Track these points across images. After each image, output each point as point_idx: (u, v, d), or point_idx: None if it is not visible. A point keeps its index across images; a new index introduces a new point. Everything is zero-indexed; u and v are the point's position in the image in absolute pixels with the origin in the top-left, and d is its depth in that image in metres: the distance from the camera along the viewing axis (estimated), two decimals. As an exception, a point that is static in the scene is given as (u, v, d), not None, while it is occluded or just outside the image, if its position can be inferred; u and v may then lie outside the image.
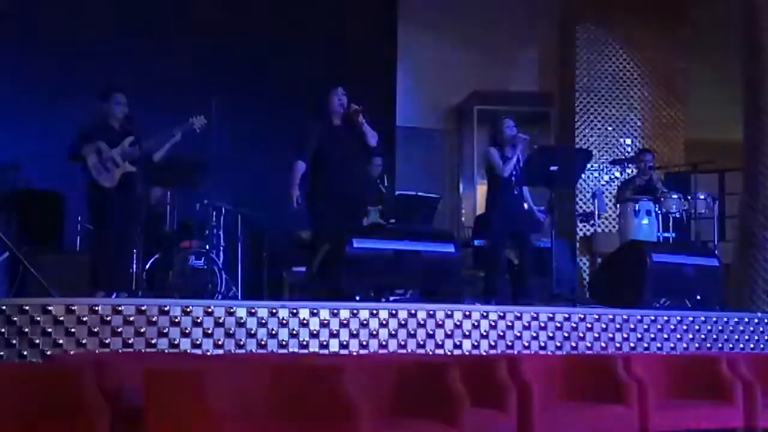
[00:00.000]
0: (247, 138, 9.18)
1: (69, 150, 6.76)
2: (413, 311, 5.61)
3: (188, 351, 5.03)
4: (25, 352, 4.77)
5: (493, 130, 7.64)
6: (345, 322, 5.40)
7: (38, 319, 4.81)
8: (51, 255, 7.36)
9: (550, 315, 6.00)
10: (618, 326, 6.20)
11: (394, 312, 5.55)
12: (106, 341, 4.90)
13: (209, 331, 5.11)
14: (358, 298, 5.86)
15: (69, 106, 7.98)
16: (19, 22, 8.81)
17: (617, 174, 10.66)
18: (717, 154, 9.42)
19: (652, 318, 6.35)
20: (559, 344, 5.97)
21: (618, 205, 8.74)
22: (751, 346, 6.69)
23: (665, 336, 6.37)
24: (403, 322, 5.56)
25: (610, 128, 10.91)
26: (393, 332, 5.52)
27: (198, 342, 5.08)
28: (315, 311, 5.36)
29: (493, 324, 5.81)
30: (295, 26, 9.95)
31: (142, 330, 4.97)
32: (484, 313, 5.82)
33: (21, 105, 8.67)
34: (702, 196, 8.39)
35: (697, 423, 5.19)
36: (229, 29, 9.71)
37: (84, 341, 4.85)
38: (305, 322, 5.32)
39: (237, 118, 8.86)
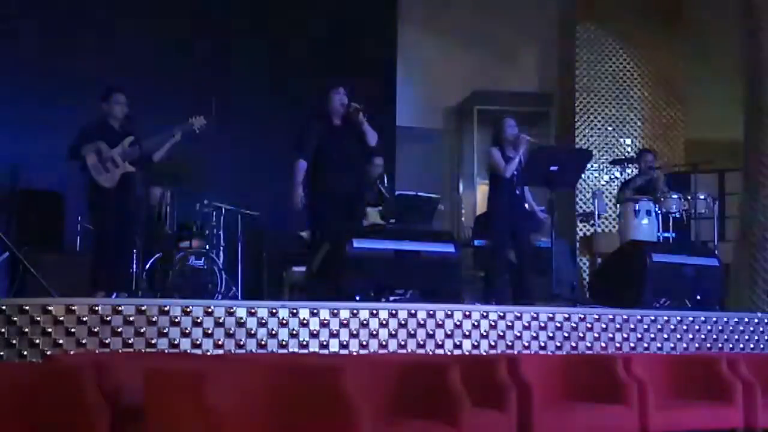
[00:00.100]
0: (247, 138, 9.19)
1: (69, 150, 6.77)
2: (413, 311, 5.61)
3: (188, 351, 5.03)
4: (25, 352, 4.77)
5: (494, 130, 7.63)
6: (345, 322, 5.40)
7: (38, 319, 4.81)
8: (51, 255, 7.36)
9: (550, 315, 6.00)
10: (618, 326, 6.20)
11: (394, 312, 5.55)
12: (106, 341, 4.90)
13: (209, 331, 5.11)
14: (358, 298, 5.85)
15: (69, 106, 7.98)
16: (20, 22, 8.81)
17: (617, 174, 10.67)
18: (717, 154, 9.42)
19: (652, 318, 6.35)
20: (559, 344, 5.97)
21: (618, 205, 8.74)
22: (751, 346, 6.69)
23: (665, 336, 6.37)
24: (403, 322, 5.56)
25: (610, 128, 10.92)
26: (393, 332, 5.52)
27: (198, 342, 5.08)
28: (315, 311, 5.36)
29: (493, 324, 5.81)
30: (295, 26, 9.96)
31: (142, 330, 4.97)
32: (484, 313, 5.82)
33: (21, 105, 8.67)
34: (702, 196, 8.40)
35: (697, 423, 5.19)
36: (229, 29, 9.73)
37: (84, 341, 4.85)
38: (305, 322, 5.32)
39: (237, 118, 8.86)
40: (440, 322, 5.66)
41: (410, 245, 6.24)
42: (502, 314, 5.86)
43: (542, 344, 5.92)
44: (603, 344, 6.12)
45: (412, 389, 4.32)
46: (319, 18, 10.06)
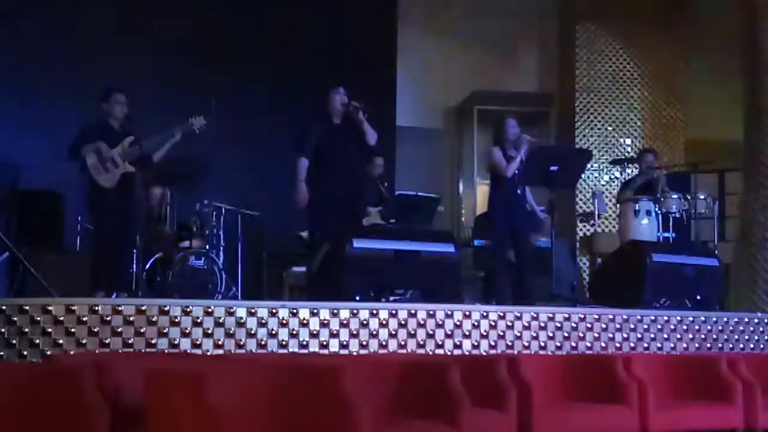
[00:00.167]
0: (247, 138, 9.19)
1: (69, 150, 6.77)
2: (413, 311, 5.61)
3: (188, 351, 5.03)
4: (25, 352, 4.77)
5: (495, 130, 7.63)
6: (345, 322, 5.40)
7: (38, 319, 4.81)
8: (51, 255, 7.35)
9: (550, 315, 6.00)
10: (618, 326, 6.20)
11: (394, 312, 5.55)
12: (106, 341, 4.90)
13: (209, 331, 5.11)
14: (358, 298, 5.86)
15: (69, 106, 7.98)
16: (19, 22, 8.81)
17: (617, 174, 10.67)
18: (717, 154, 9.42)
19: (652, 318, 6.35)
20: (559, 344, 5.97)
21: (618, 205, 8.74)
22: (751, 346, 6.69)
23: (665, 336, 6.36)
24: (403, 322, 5.56)
25: (610, 128, 10.92)
26: (393, 332, 5.52)
27: (198, 342, 5.08)
28: (315, 311, 5.36)
29: (493, 324, 5.81)
30: (295, 26, 9.96)
31: (142, 330, 4.97)
32: (484, 313, 5.82)
33: (21, 105, 8.67)
34: (702, 196, 8.40)
35: (697, 423, 5.19)
36: (229, 29, 9.72)
37: (84, 341, 4.85)
38: (305, 322, 5.32)
39: (237, 118, 8.86)
40: (440, 322, 5.66)
41: (410, 245, 6.24)
42: (502, 314, 5.86)
43: (542, 344, 5.92)
44: (603, 344, 6.12)
45: (412, 389, 4.33)
46: (319, 18, 10.05)
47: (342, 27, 10.13)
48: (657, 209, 8.16)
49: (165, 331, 5.02)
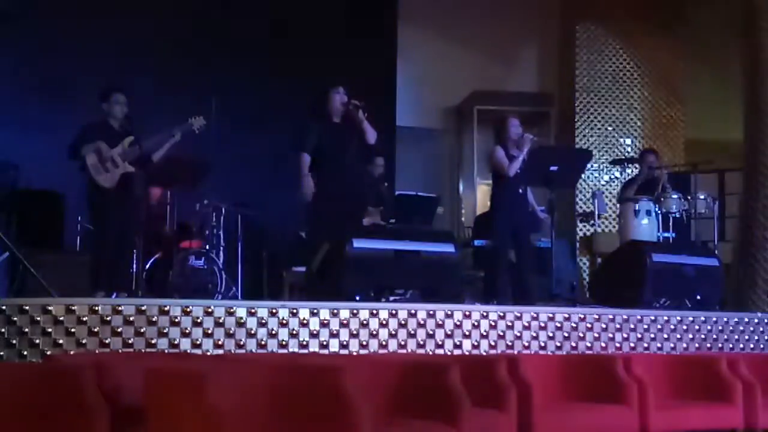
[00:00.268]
0: (247, 138, 9.19)
1: (69, 150, 6.77)
2: (413, 311, 5.61)
3: (188, 351, 5.03)
4: (25, 352, 4.78)
5: (497, 130, 7.62)
6: (345, 322, 5.40)
7: (38, 319, 4.82)
8: (51, 255, 7.35)
9: (550, 315, 6.00)
10: (618, 326, 6.20)
11: (394, 312, 5.55)
12: (106, 341, 4.90)
13: (209, 331, 5.11)
14: (358, 298, 5.86)
15: (69, 106, 7.98)
16: (19, 22, 8.81)
17: (617, 174, 10.67)
18: (717, 154, 9.42)
19: (652, 318, 6.35)
20: (559, 344, 5.97)
21: (618, 205, 8.74)
22: (751, 346, 6.69)
23: (665, 336, 6.36)
24: (403, 322, 5.56)
25: (610, 128, 10.92)
26: (393, 332, 5.52)
27: (198, 342, 5.08)
28: (315, 311, 5.36)
29: (493, 324, 5.81)
30: (295, 26, 9.96)
31: (142, 330, 4.98)
32: (484, 313, 5.82)
33: (21, 105, 8.68)
34: (702, 196, 8.39)
35: (697, 423, 5.19)
36: (229, 29, 9.72)
37: (84, 341, 4.85)
38: (305, 322, 5.32)
39: (237, 118, 8.86)
40: (440, 322, 5.66)
41: (410, 245, 6.24)
42: (502, 314, 5.86)
43: (542, 344, 5.92)
44: (603, 344, 6.12)
45: (412, 389, 4.32)
46: (319, 18, 10.05)
47: (342, 27, 10.13)
48: (657, 209, 8.16)
49: (165, 331, 5.02)
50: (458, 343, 5.68)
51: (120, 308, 4.98)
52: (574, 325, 6.05)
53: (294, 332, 5.29)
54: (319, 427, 3.65)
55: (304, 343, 5.30)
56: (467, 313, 5.76)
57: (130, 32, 9.18)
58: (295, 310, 5.32)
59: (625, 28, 10.92)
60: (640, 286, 6.88)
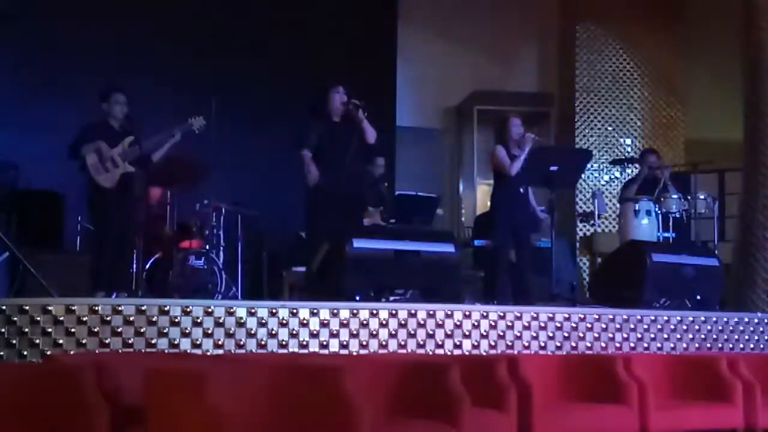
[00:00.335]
0: (247, 138, 9.19)
1: (69, 149, 6.77)
2: (413, 311, 5.61)
3: (188, 351, 5.03)
4: (25, 352, 4.78)
5: (499, 129, 7.63)
6: (345, 322, 5.40)
7: (38, 319, 4.82)
8: (51, 255, 7.35)
9: (550, 315, 6.00)
10: (618, 326, 6.20)
11: (394, 312, 5.55)
12: (106, 341, 4.90)
13: (209, 331, 5.11)
14: (358, 298, 5.86)
15: (69, 106, 7.98)
16: (19, 22, 8.81)
17: (617, 174, 10.67)
18: (717, 154, 9.42)
19: (652, 318, 6.35)
20: (559, 344, 5.97)
21: (618, 205, 8.74)
22: (751, 346, 6.68)
23: (665, 336, 6.36)
24: (403, 322, 5.56)
25: (610, 128, 10.92)
26: (393, 332, 5.52)
27: (198, 342, 5.08)
28: (315, 311, 5.36)
29: (493, 324, 5.81)
30: (295, 26, 9.96)
31: (142, 330, 4.98)
32: (484, 313, 5.82)
33: (21, 105, 8.67)
34: (702, 196, 8.39)
35: (697, 423, 5.20)
36: (229, 29, 9.72)
37: (84, 341, 4.85)
38: (305, 322, 5.32)
39: (237, 118, 8.86)
40: (440, 322, 5.66)
41: (410, 245, 6.24)
42: (502, 314, 5.86)
43: (542, 344, 5.92)
44: (603, 344, 6.12)
45: (412, 389, 4.33)
46: (319, 18, 10.05)
47: (342, 27, 10.13)
48: (657, 209, 8.16)
49: (165, 331, 5.02)
50: (458, 343, 5.68)
51: (120, 308, 4.98)
52: (574, 325, 6.05)
53: (294, 332, 5.29)
54: (319, 427, 3.65)
55: (304, 343, 5.30)
56: (467, 313, 5.76)
57: (130, 32, 9.18)
58: (295, 310, 5.32)
59: (625, 28, 10.93)
60: (640, 286, 6.88)
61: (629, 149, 10.85)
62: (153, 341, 4.98)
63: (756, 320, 6.79)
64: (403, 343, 5.53)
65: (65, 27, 9.05)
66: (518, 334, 5.87)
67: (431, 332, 5.63)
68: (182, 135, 7.00)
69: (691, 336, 6.46)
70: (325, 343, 5.34)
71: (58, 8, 9.10)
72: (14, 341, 4.77)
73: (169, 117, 7.27)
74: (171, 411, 3.52)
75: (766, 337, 6.75)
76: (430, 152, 11.19)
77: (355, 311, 5.44)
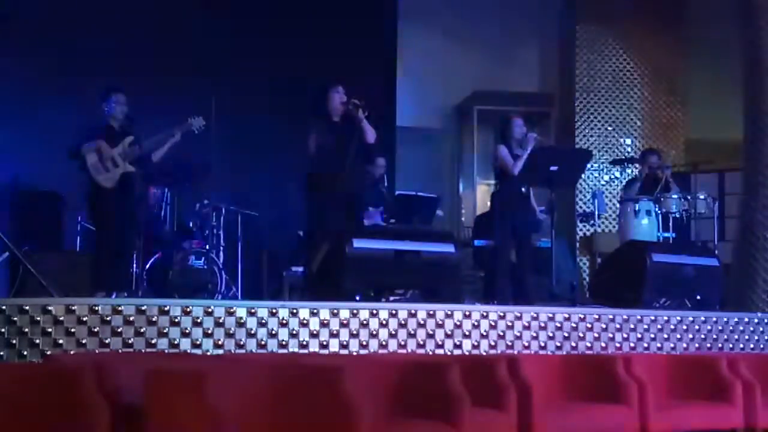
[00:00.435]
0: (247, 138, 9.19)
1: (69, 149, 6.78)
2: (413, 311, 5.61)
3: (188, 351, 5.03)
4: (25, 352, 4.77)
5: (501, 129, 7.64)
6: (345, 322, 5.40)
7: (38, 319, 4.81)
8: (51, 255, 7.36)
9: (550, 315, 6.00)
10: (618, 326, 6.20)
11: (394, 312, 5.55)
12: (106, 341, 4.90)
13: (209, 331, 5.11)
14: (358, 298, 5.86)
15: (69, 106, 7.98)
16: (19, 22, 8.81)
17: (617, 174, 10.67)
18: (717, 154, 9.42)
19: (652, 318, 6.35)
20: (559, 344, 5.97)
21: (618, 205, 8.74)
22: (751, 346, 6.68)
23: (665, 336, 6.36)
24: (403, 322, 5.55)
25: (610, 128, 10.92)
26: (393, 332, 5.52)
27: (198, 342, 5.08)
28: (315, 311, 5.36)
29: (493, 324, 5.81)
30: (295, 26, 9.95)
31: (142, 330, 4.97)
32: (484, 313, 5.82)
33: (21, 105, 8.68)
34: (702, 196, 8.39)
35: (697, 423, 5.19)
36: (228, 29, 9.72)
37: (84, 341, 4.85)
38: (305, 322, 5.32)
39: (236, 118, 8.87)
40: (440, 322, 5.66)
41: (410, 245, 6.23)
42: (502, 314, 5.86)
43: (542, 344, 5.92)
44: (603, 344, 6.12)
45: (412, 389, 4.32)
46: (319, 18, 10.05)
47: (342, 27, 10.13)
48: (657, 209, 8.16)
49: (165, 331, 5.02)
50: (458, 343, 5.68)
51: (120, 308, 4.98)
52: (574, 325, 6.05)
53: (294, 332, 5.28)
54: (319, 426, 3.65)
55: (304, 343, 5.30)
56: (467, 313, 5.76)
57: (130, 32, 9.18)
58: (295, 310, 5.32)
59: (625, 28, 10.92)
60: (640, 286, 6.88)
61: (629, 149, 10.85)
62: (153, 341, 4.98)
63: (756, 320, 6.79)
64: (403, 343, 5.53)
65: (65, 27, 9.05)
66: (518, 334, 5.86)
67: (431, 332, 5.63)
68: (182, 135, 7.01)
69: (691, 336, 6.45)
70: (325, 343, 5.34)
71: (59, 8, 9.10)
72: (14, 341, 4.77)
73: (169, 117, 7.27)
74: (171, 411, 3.52)
75: (766, 337, 6.74)
76: (430, 152, 11.20)
77: (355, 311, 5.44)
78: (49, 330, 4.82)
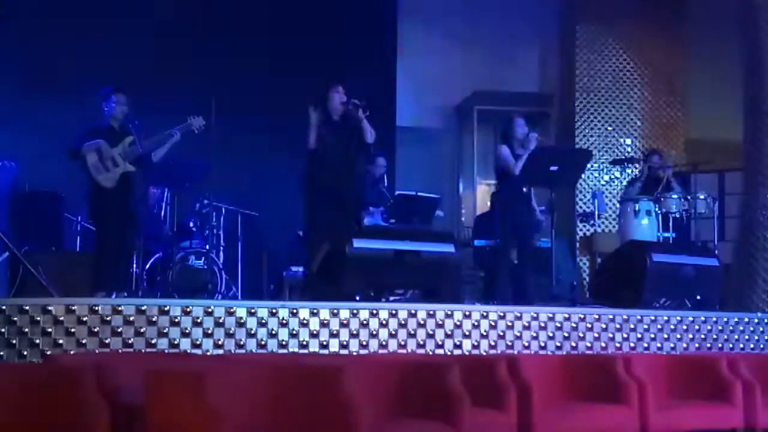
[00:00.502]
0: (247, 138, 9.19)
1: (69, 149, 6.78)
2: (413, 311, 5.61)
3: (188, 351, 5.03)
4: (25, 352, 4.78)
5: (503, 129, 7.64)
6: (345, 322, 5.40)
7: (38, 319, 4.82)
8: (51, 255, 7.35)
9: (550, 315, 6.00)
10: (618, 326, 6.20)
11: (394, 312, 5.55)
12: (106, 341, 4.90)
13: (209, 331, 5.11)
14: (358, 298, 5.86)
15: (69, 106, 7.98)
16: (19, 22, 8.80)
17: (617, 174, 10.67)
18: (717, 154, 9.42)
19: (652, 318, 6.35)
20: (559, 344, 5.97)
21: (619, 205, 8.74)
22: (751, 346, 6.69)
23: (665, 336, 6.36)
24: (403, 322, 5.56)
25: (610, 128, 10.92)
26: (393, 332, 5.52)
27: (198, 342, 5.08)
28: (315, 311, 5.36)
29: (493, 324, 5.81)
30: (295, 26, 9.96)
31: (142, 330, 4.98)
32: (484, 313, 5.82)
33: (21, 105, 8.68)
34: (702, 196, 8.39)
35: (697, 423, 5.19)
36: (228, 29, 9.72)
37: (84, 341, 4.85)
38: (305, 322, 5.32)
39: (236, 118, 8.86)
40: (440, 322, 5.66)
41: (410, 245, 6.24)
42: (502, 314, 5.86)
43: (542, 344, 5.92)
44: (603, 344, 6.12)
45: (412, 389, 4.32)
46: (319, 18, 10.05)
47: (342, 27, 10.13)
48: (657, 209, 8.16)
49: (165, 331, 5.02)
50: (458, 343, 5.68)
51: (120, 308, 4.98)
52: (574, 325, 6.05)
53: (294, 332, 5.29)
54: (319, 426, 3.65)
55: (304, 343, 5.30)
56: (467, 313, 5.76)
57: (130, 32, 9.17)
58: (295, 310, 5.33)
59: (624, 28, 10.92)
60: (640, 286, 6.88)
61: (629, 149, 10.85)
62: (153, 341, 4.98)
63: (756, 320, 6.79)
64: (403, 343, 5.53)
65: (65, 27, 9.05)
66: (518, 334, 5.87)
67: (431, 332, 5.63)
68: (182, 135, 7.01)
69: (691, 336, 6.46)
70: (325, 343, 5.34)
71: (59, 8, 9.10)
72: (14, 341, 4.77)
73: (169, 117, 7.27)
74: (171, 411, 3.52)
75: (766, 337, 6.74)
76: (430, 152, 11.20)
77: (355, 311, 5.45)
78: (49, 330, 4.83)
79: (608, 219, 10.25)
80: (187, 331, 5.07)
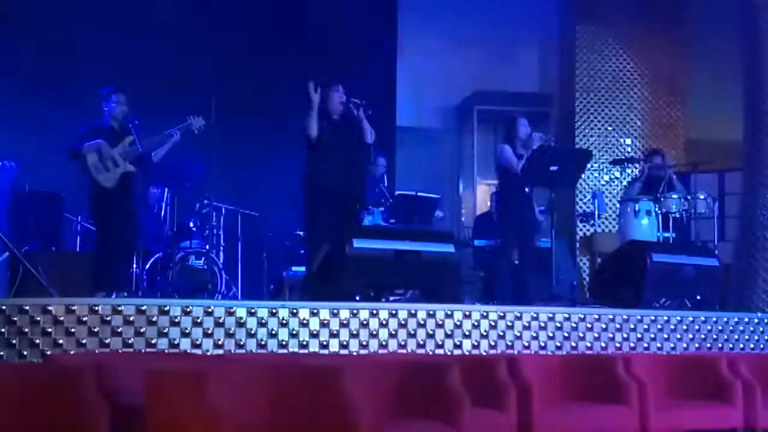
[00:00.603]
0: (247, 138, 9.19)
1: (69, 150, 6.79)
2: (413, 311, 5.61)
3: (188, 351, 5.03)
4: (25, 352, 4.77)
5: (507, 129, 7.65)
6: (345, 322, 5.40)
7: (38, 319, 4.81)
8: (51, 255, 7.35)
9: (550, 315, 6.00)
10: (618, 326, 6.20)
11: (394, 312, 5.55)
12: (106, 341, 4.90)
13: (209, 331, 5.11)
14: (358, 298, 5.85)
15: (69, 106, 7.99)
16: (20, 22, 8.80)
17: (617, 174, 10.67)
18: (717, 154, 9.42)
19: (652, 318, 6.35)
20: (559, 344, 5.97)
21: (619, 205, 8.74)
22: (751, 346, 6.69)
23: (665, 336, 6.36)
24: (403, 322, 5.56)
25: (610, 128, 10.92)
26: (393, 332, 5.52)
27: (198, 342, 5.08)
28: (315, 311, 5.36)
29: (493, 324, 5.81)
30: (295, 26, 9.96)
31: (142, 330, 4.97)
32: (484, 313, 5.82)
33: (21, 105, 8.68)
34: (702, 196, 8.39)
35: (697, 423, 5.19)
36: (228, 29, 9.72)
37: (84, 341, 4.85)
38: (305, 322, 5.32)
39: (236, 118, 8.87)
40: (440, 322, 5.66)
41: (410, 245, 6.23)
42: (502, 314, 5.86)
43: (542, 344, 5.92)
44: (603, 344, 6.12)
45: (412, 389, 4.32)
46: (319, 18, 10.05)
47: (342, 27, 10.12)
48: (657, 209, 8.16)
49: (165, 331, 5.02)
50: (458, 343, 5.68)
51: (120, 308, 4.98)
52: (574, 325, 6.05)
53: (294, 332, 5.29)
54: (319, 426, 3.65)
55: (304, 343, 5.30)
56: (467, 313, 5.76)
57: (130, 32, 9.18)
58: (295, 310, 5.32)
59: (625, 28, 10.92)
60: (640, 286, 6.88)
61: (629, 149, 10.85)
62: (153, 341, 4.98)
63: (756, 320, 6.79)
64: (403, 343, 5.53)
65: (65, 27, 9.05)
66: (518, 334, 5.87)
67: (431, 332, 5.63)
68: (182, 135, 7.01)
69: (691, 336, 6.46)
70: (325, 343, 5.34)
71: (59, 8, 9.10)
72: (14, 341, 4.77)
73: (169, 117, 7.27)
74: (171, 411, 3.52)
75: (766, 337, 6.74)
76: (430, 152, 11.20)
77: (355, 311, 5.44)
78: (49, 330, 4.82)
79: (608, 219, 10.25)
80: (187, 331, 5.07)
